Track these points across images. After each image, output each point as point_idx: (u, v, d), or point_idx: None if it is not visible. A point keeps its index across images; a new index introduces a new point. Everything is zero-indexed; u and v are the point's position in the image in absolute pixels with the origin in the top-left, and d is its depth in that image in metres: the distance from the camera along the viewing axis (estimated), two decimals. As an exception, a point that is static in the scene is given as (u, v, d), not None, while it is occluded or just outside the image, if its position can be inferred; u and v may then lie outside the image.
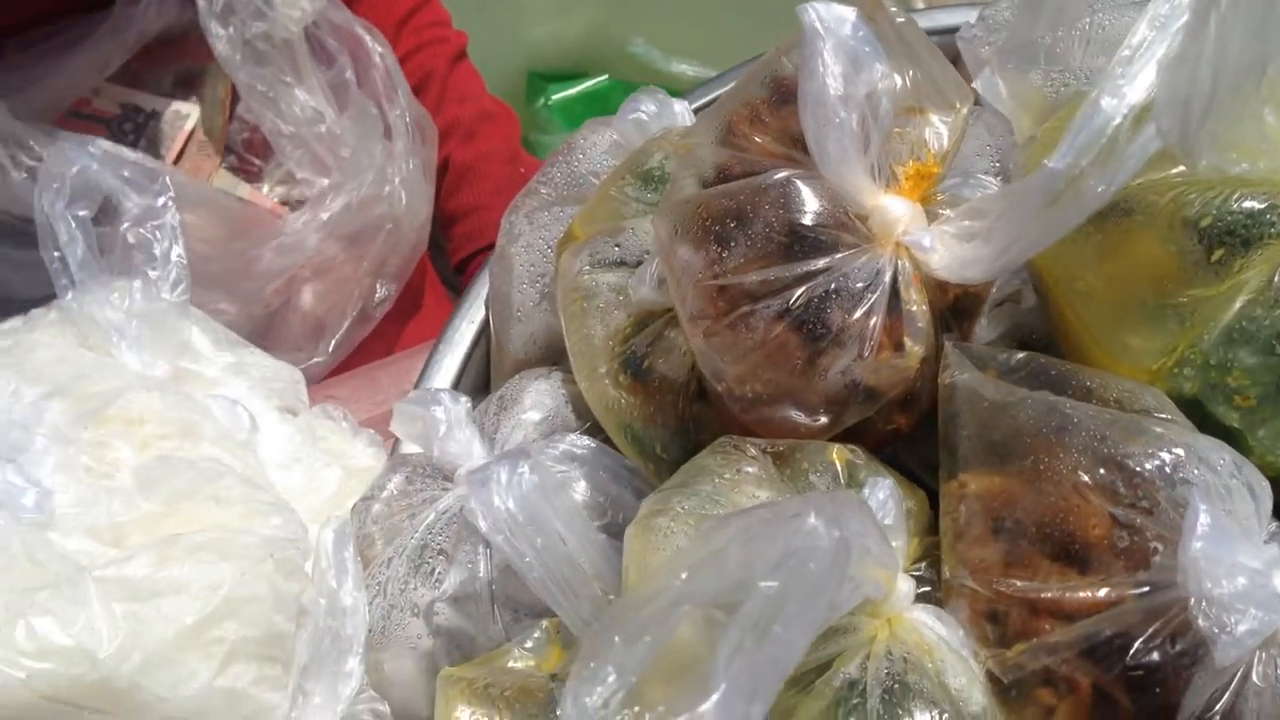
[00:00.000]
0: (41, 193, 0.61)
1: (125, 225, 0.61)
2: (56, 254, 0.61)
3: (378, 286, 0.91)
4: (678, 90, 1.60)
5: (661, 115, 0.68)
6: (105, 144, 0.66)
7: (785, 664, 0.32)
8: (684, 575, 0.35)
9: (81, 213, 0.61)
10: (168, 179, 0.62)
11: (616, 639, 0.33)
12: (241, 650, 0.48)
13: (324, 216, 0.83)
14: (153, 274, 0.61)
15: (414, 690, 0.55)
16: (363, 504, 0.59)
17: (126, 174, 0.62)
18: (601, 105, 1.56)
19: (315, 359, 0.88)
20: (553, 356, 0.67)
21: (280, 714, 0.50)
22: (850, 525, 0.36)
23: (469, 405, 0.59)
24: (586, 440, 0.55)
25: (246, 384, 0.64)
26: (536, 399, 0.59)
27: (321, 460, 0.62)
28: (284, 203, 0.95)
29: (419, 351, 0.78)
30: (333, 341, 0.89)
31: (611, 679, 0.32)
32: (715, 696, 0.30)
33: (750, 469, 0.48)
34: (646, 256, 0.58)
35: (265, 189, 0.95)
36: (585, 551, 0.49)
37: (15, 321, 0.65)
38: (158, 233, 0.62)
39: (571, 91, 1.54)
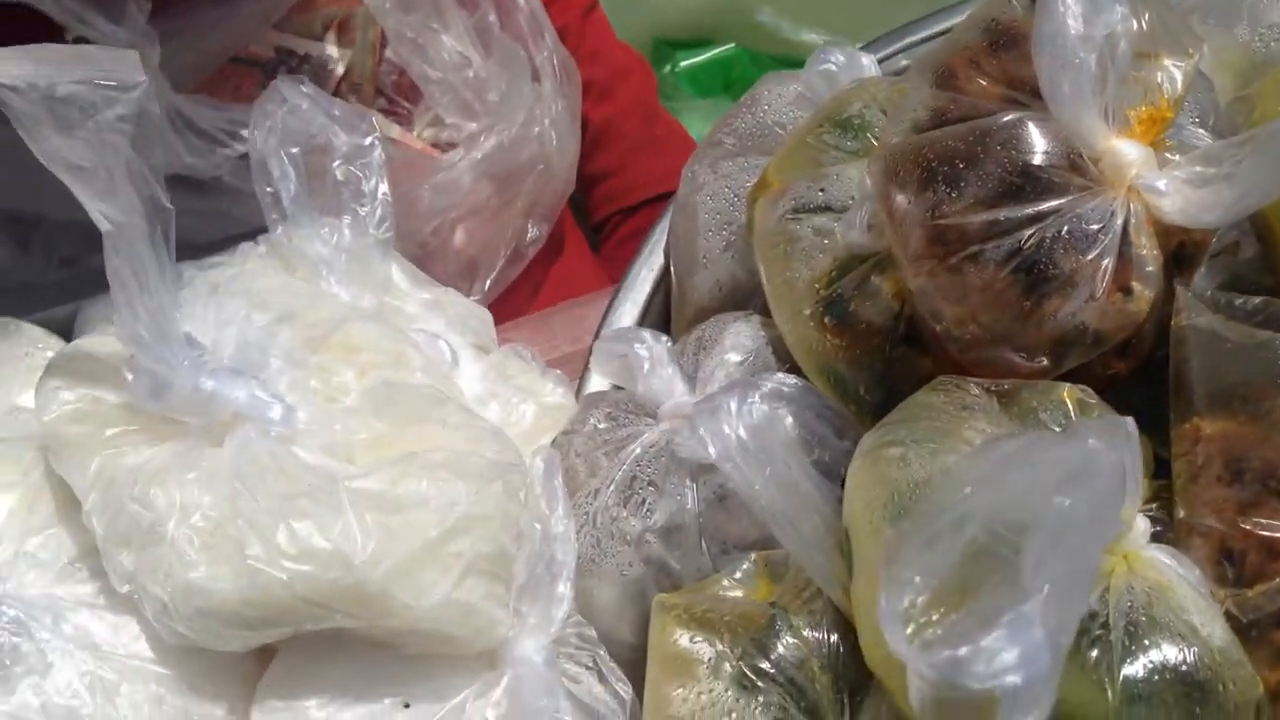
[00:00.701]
0: (255, 130, 0.63)
1: (335, 163, 0.63)
2: (269, 189, 0.63)
3: (529, 227, 0.92)
4: (800, 60, 1.59)
5: (850, 67, 0.68)
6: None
7: (1085, 577, 0.33)
8: (968, 491, 0.36)
9: (293, 150, 0.63)
10: (375, 119, 0.63)
11: (914, 549, 0.34)
12: (475, 566, 0.49)
13: (478, 156, 0.84)
14: (361, 211, 0.63)
15: (620, 617, 0.57)
16: (564, 438, 0.61)
17: (336, 113, 0.63)
18: (728, 73, 1.57)
19: (470, 298, 0.89)
20: (737, 303, 0.67)
21: (503, 630, 0.51)
22: (1124, 451, 0.37)
23: (670, 344, 0.60)
24: (793, 379, 0.56)
25: (443, 320, 0.65)
26: (736, 340, 0.60)
27: (516, 396, 0.64)
28: (434, 145, 0.96)
29: (591, 299, 0.79)
30: (487, 281, 0.90)
31: (918, 580, 0.33)
32: (1038, 596, 0.30)
33: (975, 406, 0.49)
34: (854, 201, 0.58)
35: (415, 132, 0.97)
36: (806, 482, 0.49)
37: (224, 255, 0.67)
38: (365, 170, 0.63)
39: (699, 59, 1.54)
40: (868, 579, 0.46)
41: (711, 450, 0.49)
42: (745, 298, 0.68)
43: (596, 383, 0.68)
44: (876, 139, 0.61)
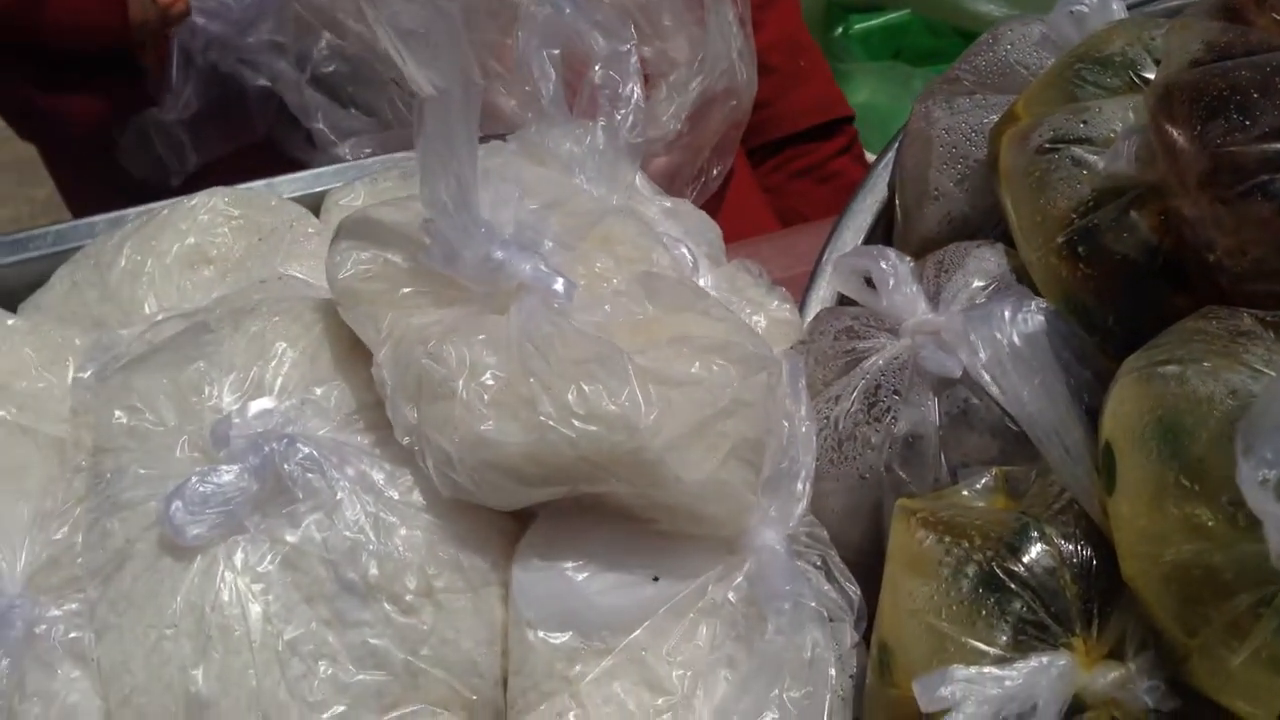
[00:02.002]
0: (520, 29, 0.65)
1: (594, 66, 0.65)
2: (527, 88, 0.65)
3: (715, 159, 0.94)
4: (974, 30, 1.57)
5: (1101, 10, 0.68)
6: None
7: None
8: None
9: (554, 51, 0.65)
10: (638, 27, 0.65)
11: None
12: (737, 450, 0.51)
13: (691, 97, 0.86)
14: (617, 115, 0.65)
15: (852, 520, 0.58)
16: (802, 346, 0.62)
17: (598, 17, 0.65)
18: (899, 39, 1.56)
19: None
20: (965, 236, 0.68)
21: (750, 516, 0.53)
22: None
23: (912, 264, 0.61)
24: (1044, 303, 0.57)
25: (681, 229, 0.67)
26: (980, 265, 0.61)
27: (748, 307, 0.65)
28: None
29: (809, 227, 0.81)
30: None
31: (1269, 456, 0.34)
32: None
33: (1252, 334, 0.49)
34: (1116, 134, 0.59)
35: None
36: (1072, 395, 0.50)
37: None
38: (622, 75, 0.65)
39: (872, 23, 1.54)
40: (1132, 495, 0.47)
41: (981, 355, 0.50)
42: (973, 232, 0.69)
43: (818, 303, 0.70)
44: (1139, 76, 0.61)
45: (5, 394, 0.61)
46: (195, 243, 0.67)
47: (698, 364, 0.51)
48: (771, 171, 1.07)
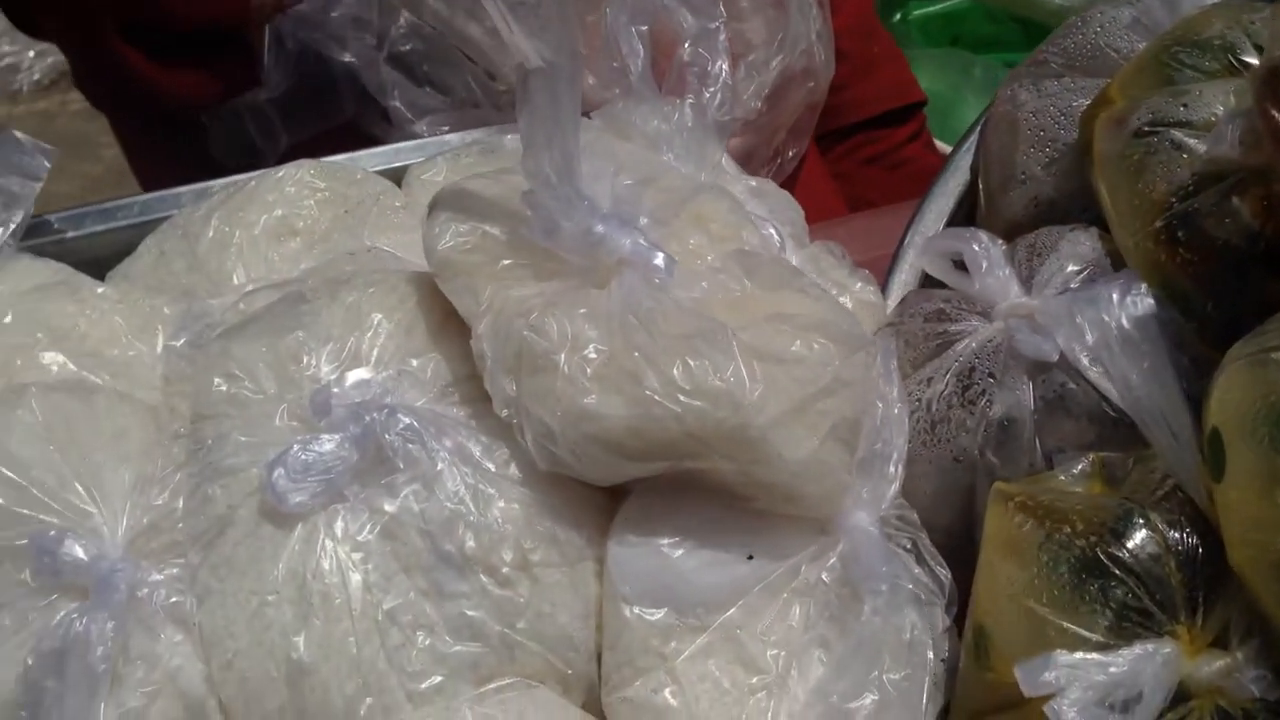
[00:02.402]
0: (608, 8, 0.65)
1: (684, 44, 0.65)
2: (614, 64, 0.65)
3: (791, 141, 0.93)
4: (1033, 18, 1.55)
5: (1196, -7, 0.67)
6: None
7: None
8: None
9: (643, 27, 0.65)
10: (721, 6, 0.65)
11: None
12: (837, 430, 0.51)
13: (770, 77, 0.85)
14: (706, 93, 0.65)
15: (943, 503, 0.58)
16: (890, 328, 0.62)
17: (689, -5, 0.65)
18: (959, 26, 1.55)
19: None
20: (1052, 220, 0.67)
21: (845, 497, 0.53)
22: None
23: (1004, 247, 0.61)
24: (1143, 287, 0.56)
25: (766, 208, 0.67)
26: (1074, 250, 0.60)
27: (833, 289, 0.65)
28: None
29: (889, 210, 0.80)
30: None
31: None
32: None
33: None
34: (1217, 117, 0.58)
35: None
36: (1180, 380, 0.50)
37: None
38: (711, 53, 0.65)
39: (932, 9, 1.53)
40: (1242, 482, 0.47)
41: (1089, 338, 0.50)
42: (1060, 216, 0.68)
43: (901, 286, 0.70)
44: (1239, 60, 0.60)
45: (98, 361, 0.61)
46: (282, 215, 0.67)
47: (798, 342, 0.51)
48: (841, 158, 1.07)
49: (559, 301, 0.51)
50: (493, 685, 0.51)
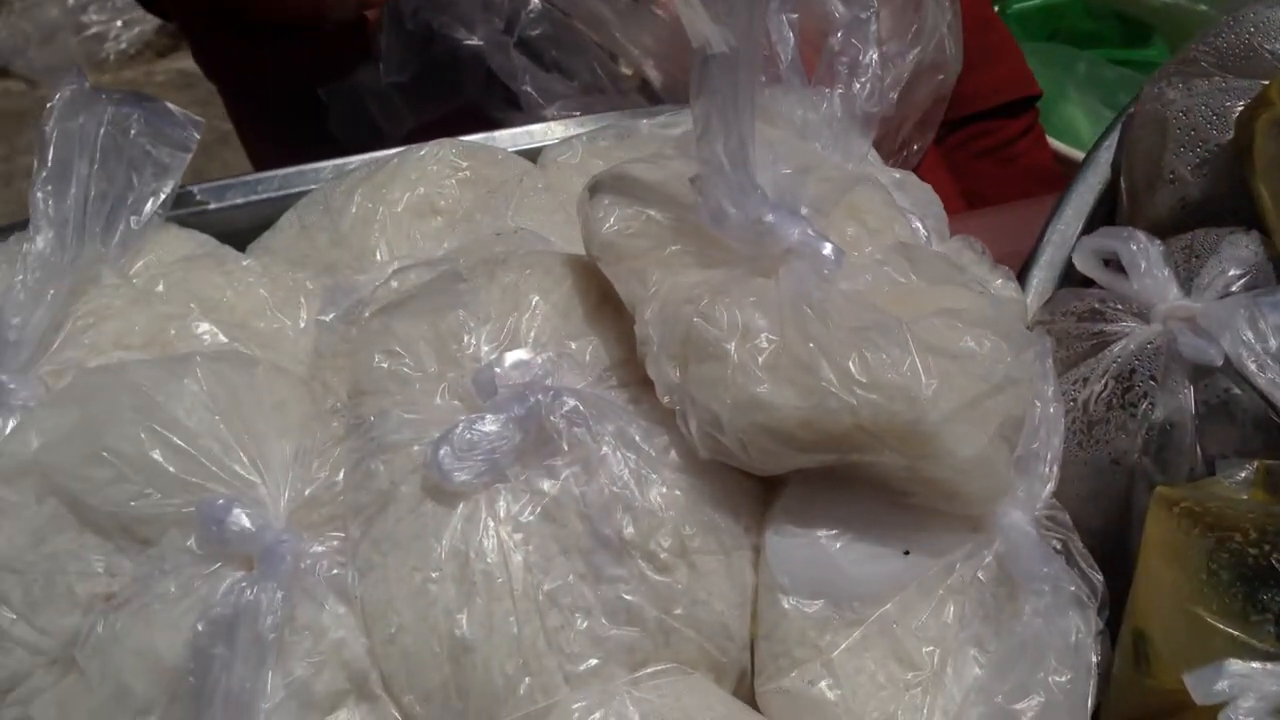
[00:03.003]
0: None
1: (834, 34, 0.64)
2: (765, 52, 0.64)
3: (917, 134, 0.93)
4: (1135, 15, 1.52)
5: (1361, -6, 0.66)
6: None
7: None
8: None
9: (793, 15, 0.64)
10: (872, -7, 0.64)
11: None
12: (1003, 428, 0.50)
13: (906, 69, 0.84)
14: (856, 84, 0.64)
15: (1095, 505, 0.57)
16: (1040, 327, 0.61)
17: (841, -17, 0.64)
18: (1058, 21, 1.53)
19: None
20: (1199, 221, 0.66)
21: (1004, 496, 0.53)
22: None
23: (1163, 248, 0.60)
24: (1310, 296, 0.55)
25: (909, 201, 0.66)
26: (1234, 253, 0.59)
27: (975, 285, 0.64)
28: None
29: (1023, 205, 0.79)
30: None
31: None
32: None
33: None
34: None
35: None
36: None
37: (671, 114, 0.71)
38: (862, 44, 0.64)
39: (1031, 3, 1.50)
40: None
41: (1272, 343, 0.49)
42: (1207, 217, 0.67)
43: (1039, 283, 0.69)
44: None
45: (247, 332, 0.62)
46: (424, 193, 0.67)
47: (969, 338, 0.50)
48: (954, 149, 1.06)
49: (728, 289, 0.51)
50: (649, 670, 0.51)
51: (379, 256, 0.66)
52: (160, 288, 0.63)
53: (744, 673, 0.53)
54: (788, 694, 0.51)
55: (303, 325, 0.64)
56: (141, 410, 0.53)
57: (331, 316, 0.61)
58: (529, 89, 0.85)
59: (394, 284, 0.60)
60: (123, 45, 2.16)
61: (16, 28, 2.21)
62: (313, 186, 0.71)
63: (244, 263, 0.66)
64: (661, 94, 0.90)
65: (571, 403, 0.51)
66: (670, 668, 0.51)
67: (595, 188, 0.56)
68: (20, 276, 0.57)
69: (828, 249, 0.52)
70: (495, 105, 0.88)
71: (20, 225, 0.66)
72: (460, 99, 0.89)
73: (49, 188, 0.59)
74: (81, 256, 0.59)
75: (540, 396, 0.51)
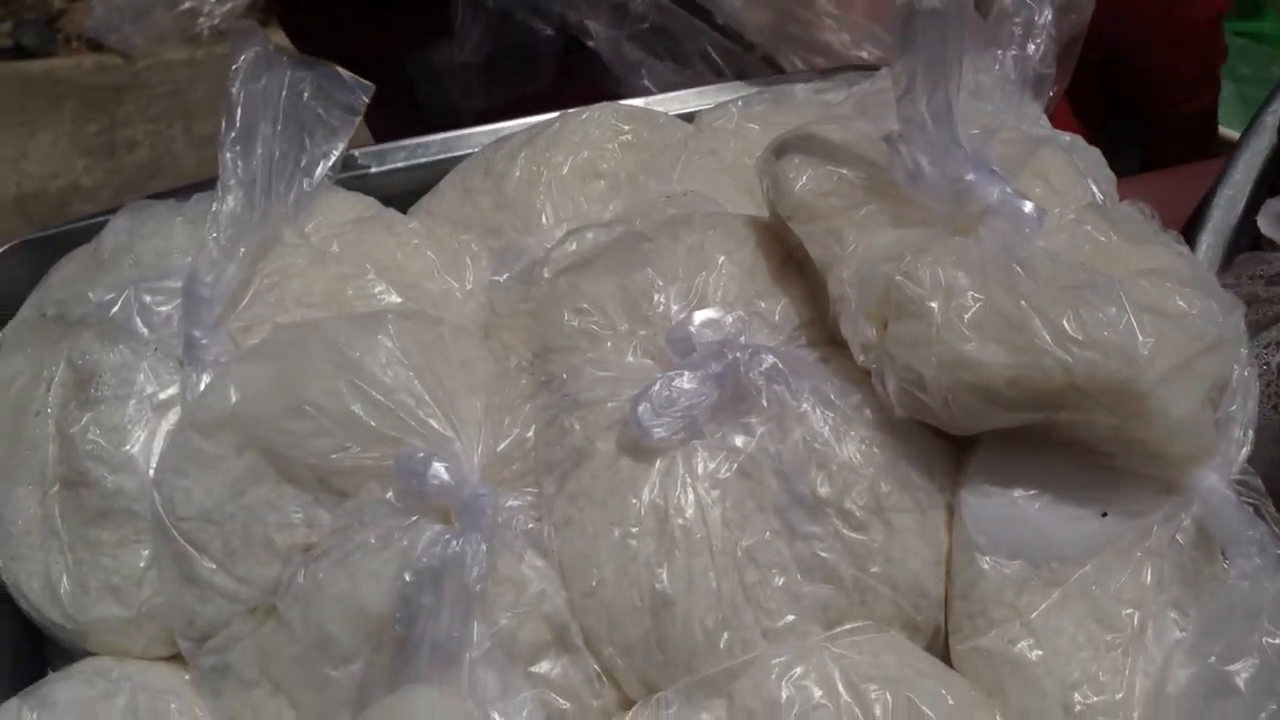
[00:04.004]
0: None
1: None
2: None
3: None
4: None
5: None
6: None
7: None
8: None
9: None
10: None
11: None
12: (1212, 389, 0.50)
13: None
14: (1030, 45, 0.63)
15: (1288, 472, 0.56)
16: (1226, 289, 0.60)
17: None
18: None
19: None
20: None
21: (1205, 460, 0.52)
22: None
23: (1357, 212, 0.59)
24: None
25: (1080, 164, 0.65)
26: None
27: (1175, 246, 0.63)
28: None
29: (1188, 169, 0.78)
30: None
31: None
32: None
33: None
34: None
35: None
36: None
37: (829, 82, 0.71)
38: (1036, 3, 0.63)
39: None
40: None
41: None
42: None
43: (1208, 247, 0.68)
44: None
45: (419, 294, 0.63)
46: (588, 156, 0.68)
47: (1179, 298, 0.49)
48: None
49: (929, 248, 0.51)
50: (845, 627, 0.51)
51: (544, 220, 0.66)
52: (335, 248, 0.63)
53: (938, 632, 0.53)
54: (986, 653, 0.51)
55: (469, 287, 0.65)
56: (340, 364, 0.53)
57: (506, 277, 0.62)
58: (647, 82, 0.84)
59: (571, 246, 0.61)
60: (216, 20, 2.19)
61: (111, 4, 2.24)
62: (470, 151, 0.72)
63: (410, 225, 0.67)
64: (785, 66, 0.90)
65: (770, 360, 0.51)
66: (866, 625, 0.51)
67: (783, 148, 0.56)
68: (214, 235, 0.58)
69: (1029, 207, 0.51)
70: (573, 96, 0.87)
71: (174, 192, 0.67)
72: (535, 84, 0.89)
73: (237, 148, 0.60)
74: (268, 216, 0.60)
75: (738, 354, 0.51)
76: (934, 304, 0.49)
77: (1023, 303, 0.48)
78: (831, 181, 0.54)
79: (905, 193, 0.53)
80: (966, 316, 0.49)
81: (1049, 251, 0.51)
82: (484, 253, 0.66)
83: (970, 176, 0.51)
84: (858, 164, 0.54)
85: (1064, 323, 0.47)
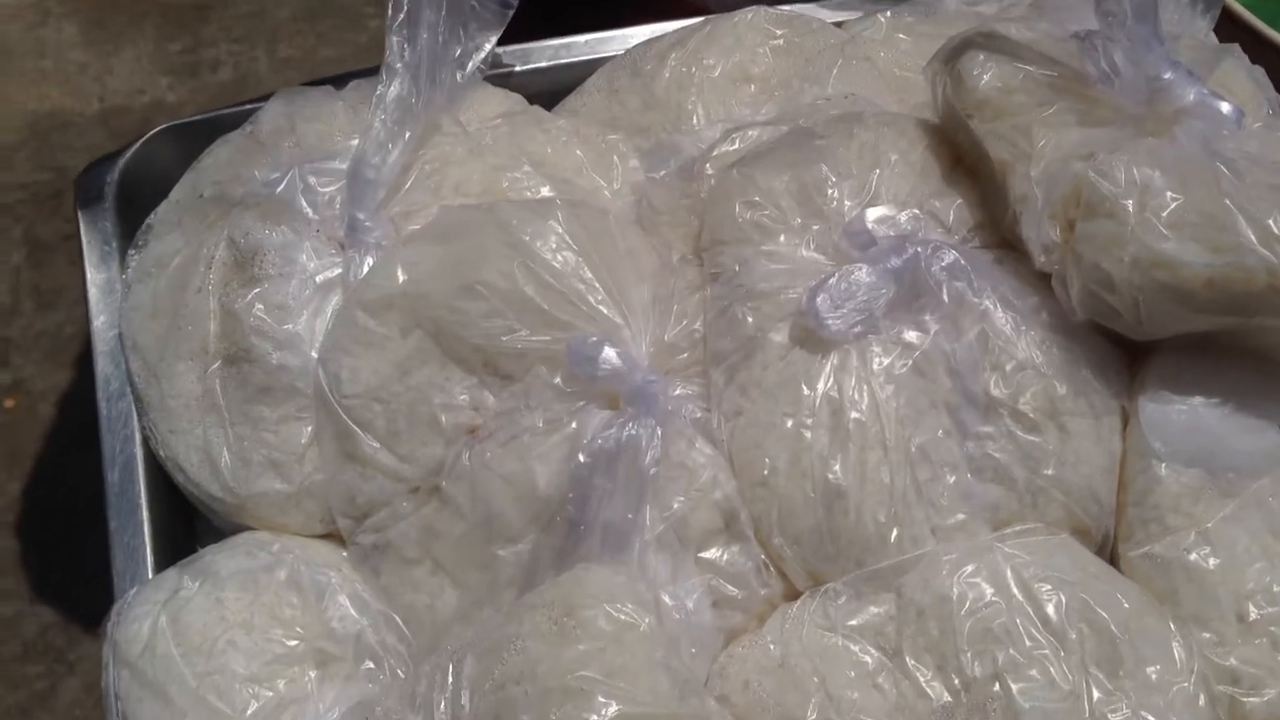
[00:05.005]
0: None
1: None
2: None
3: None
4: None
5: None
6: None
7: None
8: None
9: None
10: None
11: None
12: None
13: None
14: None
15: None
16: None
17: None
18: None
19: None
20: None
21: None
22: None
23: None
24: None
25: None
26: None
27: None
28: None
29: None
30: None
31: None
32: None
33: None
34: None
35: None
36: None
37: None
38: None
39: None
40: None
41: None
42: None
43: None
44: None
45: (571, 189, 0.63)
46: (739, 60, 0.67)
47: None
48: None
49: (1121, 147, 0.50)
50: (1014, 528, 0.51)
51: (695, 121, 0.65)
52: (488, 140, 0.63)
53: (1107, 539, 0.52)
54: (1159, 560, 0.50)
55: (617, 186, 0.64)
56: (513, 246, 0.53)
57: (663, 174, 0.61)
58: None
59: (733, 144, 0.60)
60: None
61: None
62: (616, 52, 0.71)
63: (559, 122, 0.66)
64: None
65: (952, 255, 0.51)
66: (1037, 527, 0.51)
67: (964, 45, 0.55)
68: (380, 117, 0.58)
69: (1227, 108, 0.50)
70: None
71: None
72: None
73: (404, 32, 0.59)
74: (431, 102, 0.60)
75: (919, 249, 0.51)
76: (1128, 203, 0.48)
77: (1226, 201, 0.47)
78: (1017, 79, 0.53)
79: (1094, 92, 0.52)
80: (1164, 215, 0.48)
81: (1250, 153, 0.50)
82: (632, 152, 0.65)
83: (1168, 75, 0.50)
84: (1044, 62, 0.53)
85: (1270, 222, 0.46)
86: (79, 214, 0.65)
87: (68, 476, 1.25)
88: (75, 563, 1.20)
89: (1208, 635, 0.49)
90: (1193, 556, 0.50)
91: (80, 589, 1.16)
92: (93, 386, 0.62)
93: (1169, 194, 0.48)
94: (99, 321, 0.63)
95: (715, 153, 0.60)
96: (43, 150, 1.67)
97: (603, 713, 0.43)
